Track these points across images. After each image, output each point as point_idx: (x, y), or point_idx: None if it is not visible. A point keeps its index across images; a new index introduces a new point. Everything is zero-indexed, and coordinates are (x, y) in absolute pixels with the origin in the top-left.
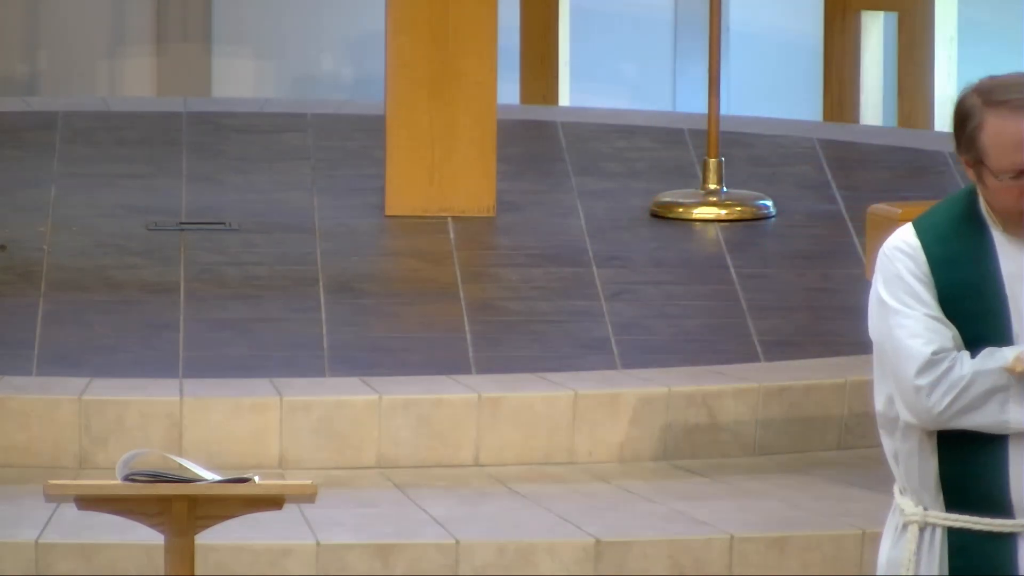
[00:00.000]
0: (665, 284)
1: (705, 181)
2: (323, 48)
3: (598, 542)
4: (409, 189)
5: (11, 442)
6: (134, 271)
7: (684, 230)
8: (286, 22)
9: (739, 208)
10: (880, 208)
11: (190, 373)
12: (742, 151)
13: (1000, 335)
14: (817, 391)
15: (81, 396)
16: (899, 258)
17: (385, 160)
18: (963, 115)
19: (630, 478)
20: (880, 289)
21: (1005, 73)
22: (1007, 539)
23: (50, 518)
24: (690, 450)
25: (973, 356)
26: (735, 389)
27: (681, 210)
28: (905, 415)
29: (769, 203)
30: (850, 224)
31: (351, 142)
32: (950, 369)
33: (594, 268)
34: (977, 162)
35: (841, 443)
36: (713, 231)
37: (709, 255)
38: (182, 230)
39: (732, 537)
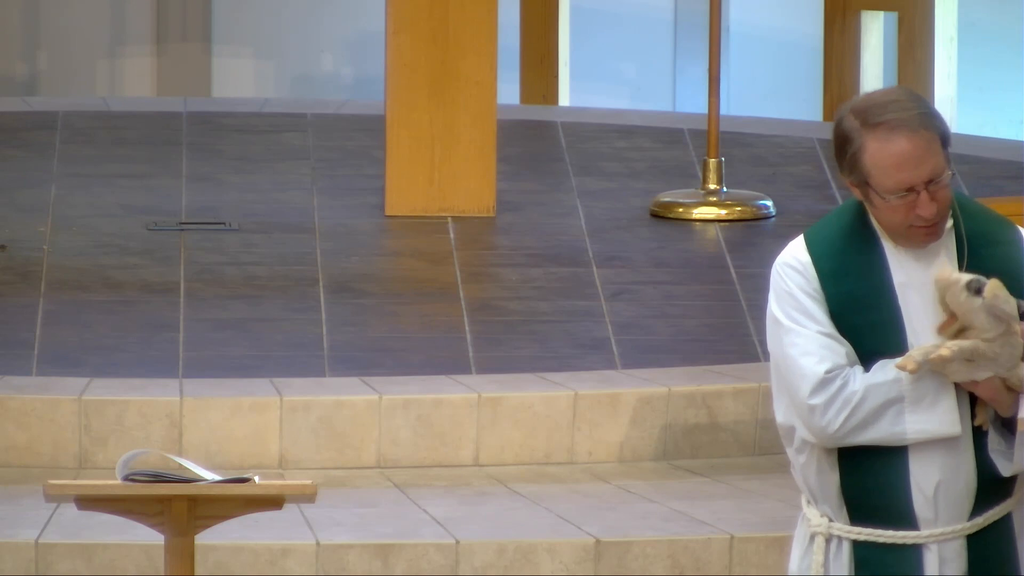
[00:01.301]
0: (665, 284)
1: (705, 181)
2: (323, 48)
3: (598, 542)
4: (409, 189)
5: (11, 442)
6: (134, 271)
7: (684, 230)
8: (286, 22)
9: (739, 208)
10: None
11: (190, 373)
12: (742, 151)
13: (895, 346)
14: None
15: (81, 396)
16: (789, 275)
17: (385, 160)
18: (842, 139)
19: (630, 478)
20: (773, 306)
21: (881, 89)
22: (912, 550)
23: (50, 518)
24: (690, 450)
25: (868, 370)
26: (735, 389)
27: (681, 210)
28: (803, 433)
29: (769, 203)
30: None
31: (351, 142)
32: (843, 387)
33: (594, 268)
34: (862, 183)
35: None
36: (713, 231)
37: (709, 255)
38: (182, 230)
39: (732, 537)
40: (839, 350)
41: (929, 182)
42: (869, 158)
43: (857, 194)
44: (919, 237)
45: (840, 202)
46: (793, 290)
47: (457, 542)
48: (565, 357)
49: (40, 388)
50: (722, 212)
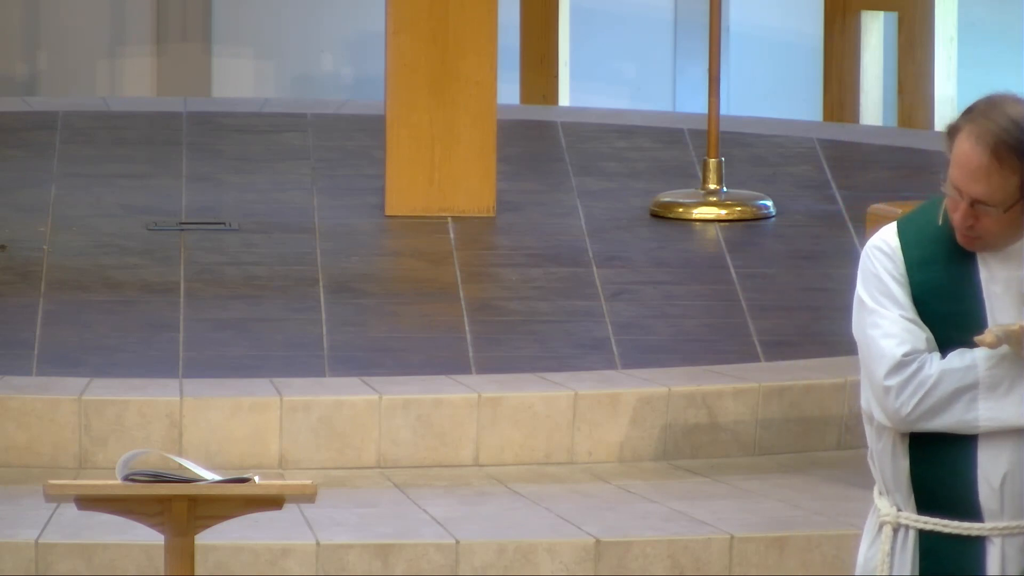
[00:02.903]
0: (665, 284)
1: (705, 181)
2: (323, 48)
3: (598, 542)
4: (409, 189)
5: (11, 442)
6: (134, 271)
7: (684, 230)
8: (286, 22)
9: (739, 208)
10: (880, 208)
11: (190, 373)
12: (742, 151)
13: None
14: (817, 391)
15: (81, 396)
16: (878, 258)
17: (385, 160)
18: (950, 128)
19: (630, 478)
20: (859, 288)
21: (1000, 95)
22: (976, 542)
23: (50, 518)
24: (690, 450)
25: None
26: (735, 389)
27: (681, 210)
28: (879, 415)
29: (769, 203)
30: (850, 224)
31: (351, 142)
32: (918, 370)
33: (594, 268)
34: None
35: (841, 443)
36: (713, 231)
37: (709, 255)
38: (182, 230)
39: (732, 537)
40: (920, 335)
41: (975, 201)
42: (955, 143)
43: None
44: (961, 238)
45: (840, 203)
46: (880, 273)
47: (457, 542)
48: (565, 357)
49: (40, 388)
50: (722, 212)
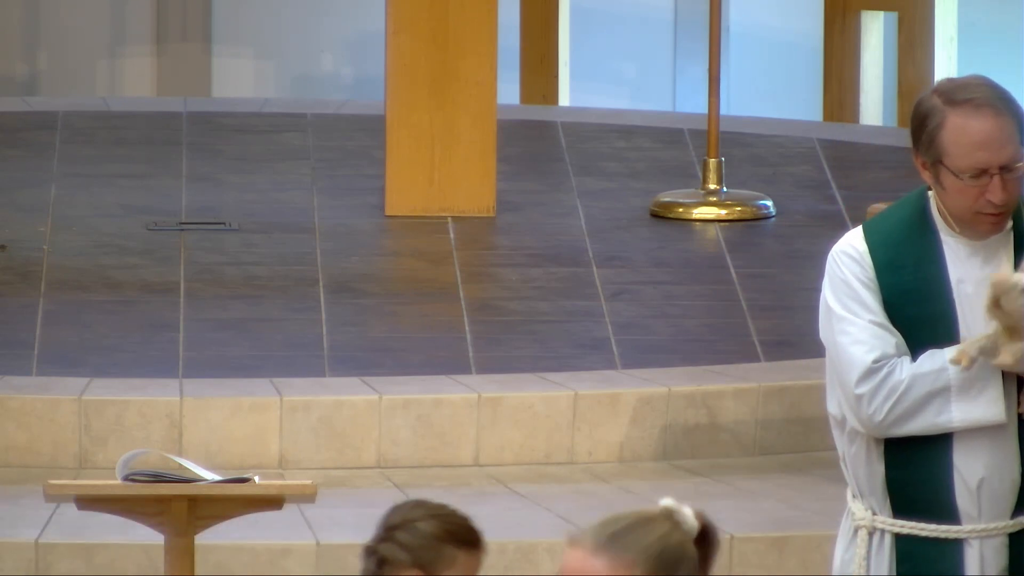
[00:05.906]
0: (665, 284)
1: (705, 181)
2: (323, 48)
3: None
4: (409, 189)
5: (11, 442)
6: (134, 271)
7: (684, 230)
8: (286, 22)
9: (739, 208)
10: (879, 208)
11: (190, 373)
12: (742, 151)
13: (947, 340)
14: (817, 391)
15: (81, 396)
16: (846, 263)
17: (385, 160)
18: (923, 115)
19: (630, 478)
20: (827, 294)
21: (963, 76)
22: (953, 545)
23: (50, 518)
24: (690, 450)
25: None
26: (735, 389)
27: (681, 210)
28: (852, 422)
29: (769, 203)
30: (850, 224)
31: (351, 142)
32: (889, 376)
33: (594, 268)
34: (936, 162)
35: None
36: (713, 231)
37: (709, 255)
38: (182, 230)
39: (732, 537)
40: (889, 340)
41: (1003, 168)
42: (949, 134)
43: (927, 177)
44: (984, 224)
45: (840, 203)
46: (848, 278)
47: None
48: (565, 357)
49: (40, 388)
50: (722, 212)
